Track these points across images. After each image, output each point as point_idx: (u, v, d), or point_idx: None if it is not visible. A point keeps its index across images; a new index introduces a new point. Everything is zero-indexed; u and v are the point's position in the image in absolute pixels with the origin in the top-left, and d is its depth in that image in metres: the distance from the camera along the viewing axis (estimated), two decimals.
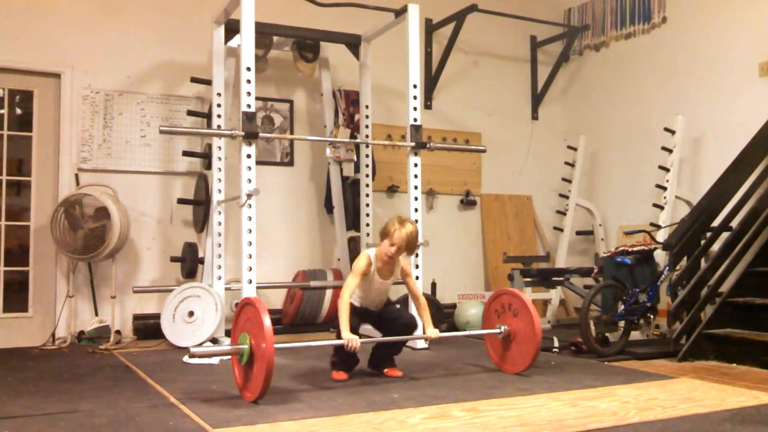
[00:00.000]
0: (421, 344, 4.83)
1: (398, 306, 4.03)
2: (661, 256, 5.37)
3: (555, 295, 6.73)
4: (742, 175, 5.22)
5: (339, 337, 3.58)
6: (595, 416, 2.93)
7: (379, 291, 3.87)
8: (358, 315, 3.80)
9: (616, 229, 6.79)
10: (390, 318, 3.93)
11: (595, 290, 5.03)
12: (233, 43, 5.40)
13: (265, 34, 5.60)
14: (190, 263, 5.54)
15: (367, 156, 5.84)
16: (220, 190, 5.28)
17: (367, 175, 5.82)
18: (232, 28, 5.30)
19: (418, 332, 4.04)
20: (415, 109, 5.07)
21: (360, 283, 3.75)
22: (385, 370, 3.90)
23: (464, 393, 3.38)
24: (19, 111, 5.59)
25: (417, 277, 4.88)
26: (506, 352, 3.97)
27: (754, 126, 5.32)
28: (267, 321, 3.13)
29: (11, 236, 5.46)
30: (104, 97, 5.64)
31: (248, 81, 4.51)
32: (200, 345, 4.71)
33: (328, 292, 5.84)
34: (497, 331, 3.95)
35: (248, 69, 4.52)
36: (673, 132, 5.99)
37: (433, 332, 3.80)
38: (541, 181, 7.35)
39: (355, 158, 6.01)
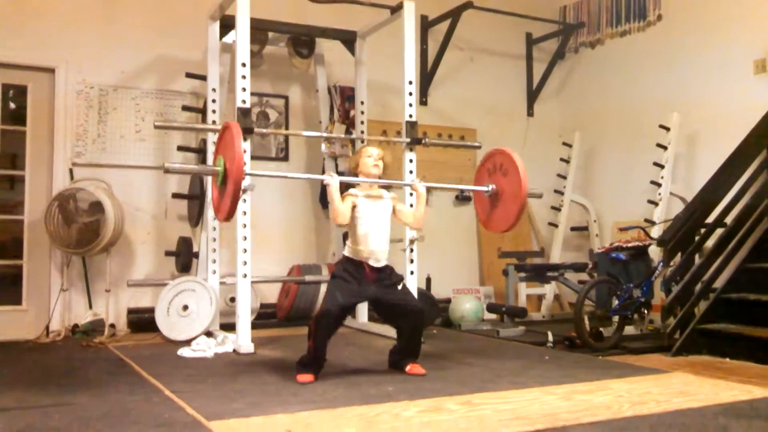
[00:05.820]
0: None
1: (401, 286, 3.68)
2: (655, 252, 5.39)
3: (549, 290, 6.75)
4: (736, 172, 5.23)
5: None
6: (589, 410, 2.93)
7: (378, 224, 3.60)
8: (355, 282, 3.54)
9: (610, 225, 6.80)
10: (398, 307, 3.62)
11: (589, 285, 5.05)
12: (228, 38, 5.38)
13: (260, 29, 5.59)
14: (184, 257, 5.54)
15: None
16: None
17: None
18: (227, 24, 5.28)
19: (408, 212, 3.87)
20: (410, 105, 5.06)
21: (353, 221, 3.57)
22: (407, 368, 3.68)
23: (459, 386, 3.38)
24: (12, 105, 5.57)
25: (411, 272, 4.90)
26: (493, 210, 3.97)
27: (749, 123, 5.33)
28: (239, 144, 3.31)
29: (5, 230, 5.45)
30: (99, 91, 5.62)
31: (243, 76, 4.50)
32: (195, 338, 4.70)
33: (323, 287, 5.83)
34: (485, 189, 3.98)
35: (243, 65, 4.52)
36: (667, 129, 6.00)
37: (420, 186, 3.77)
38: (536, 177, 7.27)
39: (350, 154, 6.00)
